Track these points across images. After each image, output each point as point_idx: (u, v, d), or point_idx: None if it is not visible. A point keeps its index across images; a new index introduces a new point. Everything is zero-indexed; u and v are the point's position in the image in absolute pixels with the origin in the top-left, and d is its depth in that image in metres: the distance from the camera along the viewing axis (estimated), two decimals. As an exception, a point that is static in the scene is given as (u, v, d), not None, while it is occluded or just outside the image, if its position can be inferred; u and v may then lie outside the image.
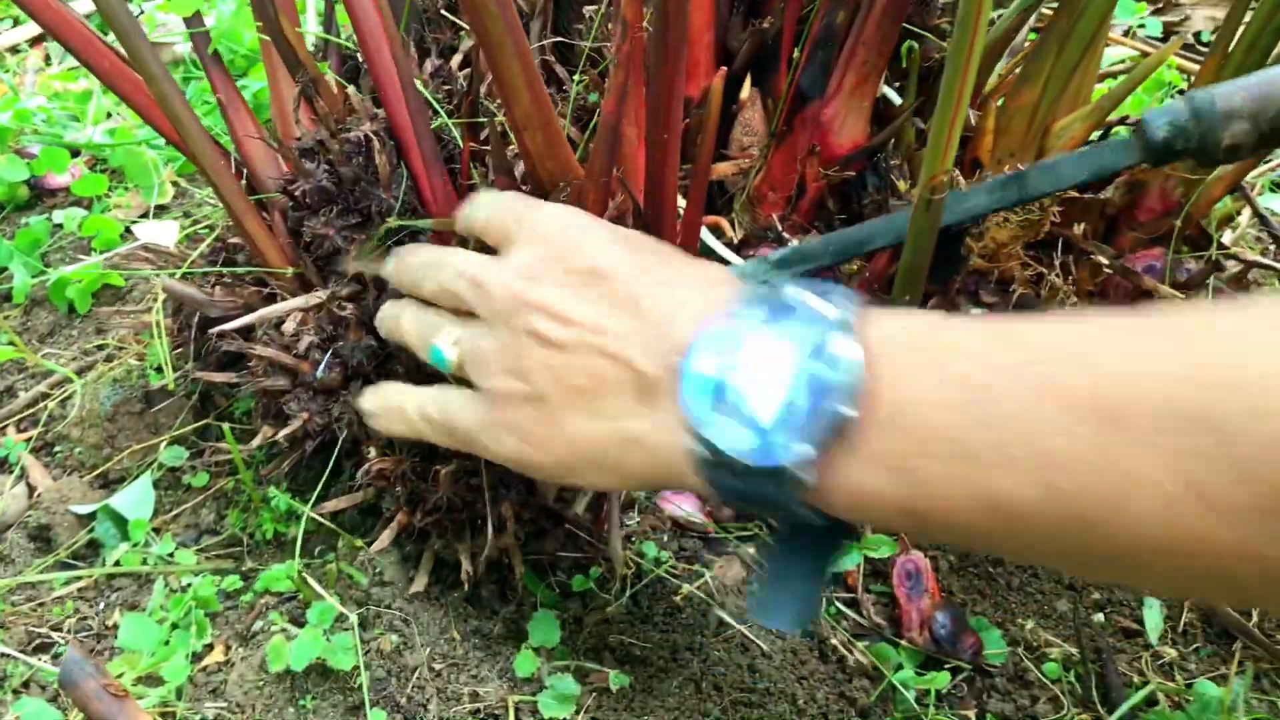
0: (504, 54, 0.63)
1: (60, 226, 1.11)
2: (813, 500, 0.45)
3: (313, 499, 0.74)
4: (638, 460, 0.52)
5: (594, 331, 0.52)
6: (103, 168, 1.20)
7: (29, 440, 0.93)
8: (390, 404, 0.65)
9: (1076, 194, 0.83)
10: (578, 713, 0.66)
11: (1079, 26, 0.80)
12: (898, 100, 0.90)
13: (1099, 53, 0.86)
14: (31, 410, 0.97)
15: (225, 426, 0.76)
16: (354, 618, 0.66)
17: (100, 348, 1.00)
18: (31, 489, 0.90)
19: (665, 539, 0.78)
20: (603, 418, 0.52)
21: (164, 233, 0.90)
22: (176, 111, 0.71)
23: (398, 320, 0.66)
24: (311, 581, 0.69)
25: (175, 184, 1.15)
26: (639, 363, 0.51)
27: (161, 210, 1.12)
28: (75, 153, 1.20)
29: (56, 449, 0.94)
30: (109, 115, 1.28)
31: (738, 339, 0.47)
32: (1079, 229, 0.82)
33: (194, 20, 0.82)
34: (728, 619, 0.72)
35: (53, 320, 1.06)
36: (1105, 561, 0.40)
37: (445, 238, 0.80)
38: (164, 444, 0.88)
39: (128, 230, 1.11)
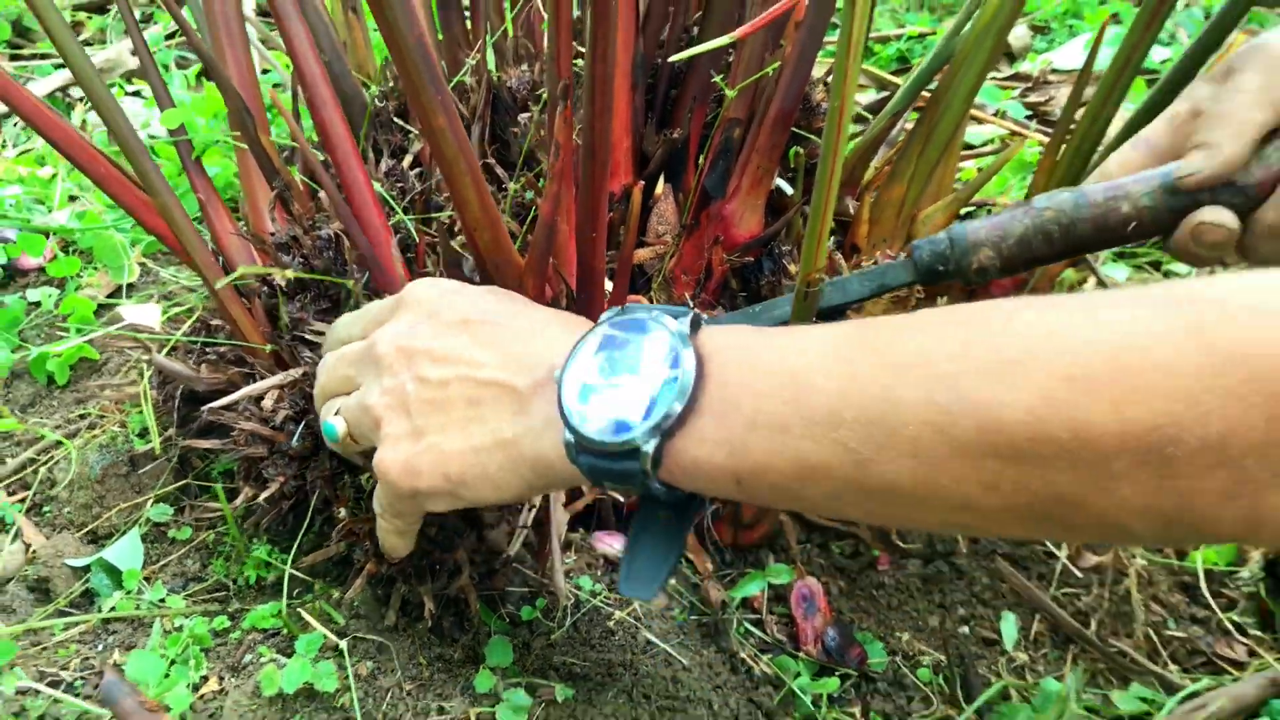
0: (457, 170, 0.77)
1: (37, 305, 1.21)
2: (662, 475, 0.56)
3: (293, 552, 0.86)
4: (517, 462, 0.61)
5: (469, 365, 0.62)
6: (72, 249, 1.31)
7: (23, 501, 1.03)
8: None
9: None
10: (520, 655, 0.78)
11: (936, 132, 0.96)
12: (790, 190, 1.05)
13: (956, 151, 1.02)
14: (19, 475, 1.07)
15: (218, 486, 0.87)
16: (344, 644, 0.78)
17: (82, 416, 1.10)
18: (27, 546, 1.00)
19: (599, 574, 0.91)
20: (483, 430, 0.61)
21: (148, 314, 1.01)
22: (176, 220, 0.83)
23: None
24: (305, 614, 0.80)
25: (141, 264, 1.26)
26: (512, 381, 0.61)
27: (130, 288, 1.23)
28: (45, 235, 1.31)
29: (45, 509, 1.04)
30: (72, 199, 1.39)
31: (602, 349, 0.58)
32: (943, 300, 0.98)
33: (179, 130, 0.94)
34: (654, 639, 0.85)
35: (33, 392, 1.16)
36: (884, 504, 0.52)
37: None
38: (150, 502, 0.99)
39: (100, 308, 1.22)
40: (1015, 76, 1.91)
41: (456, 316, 0.66)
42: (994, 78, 1.85)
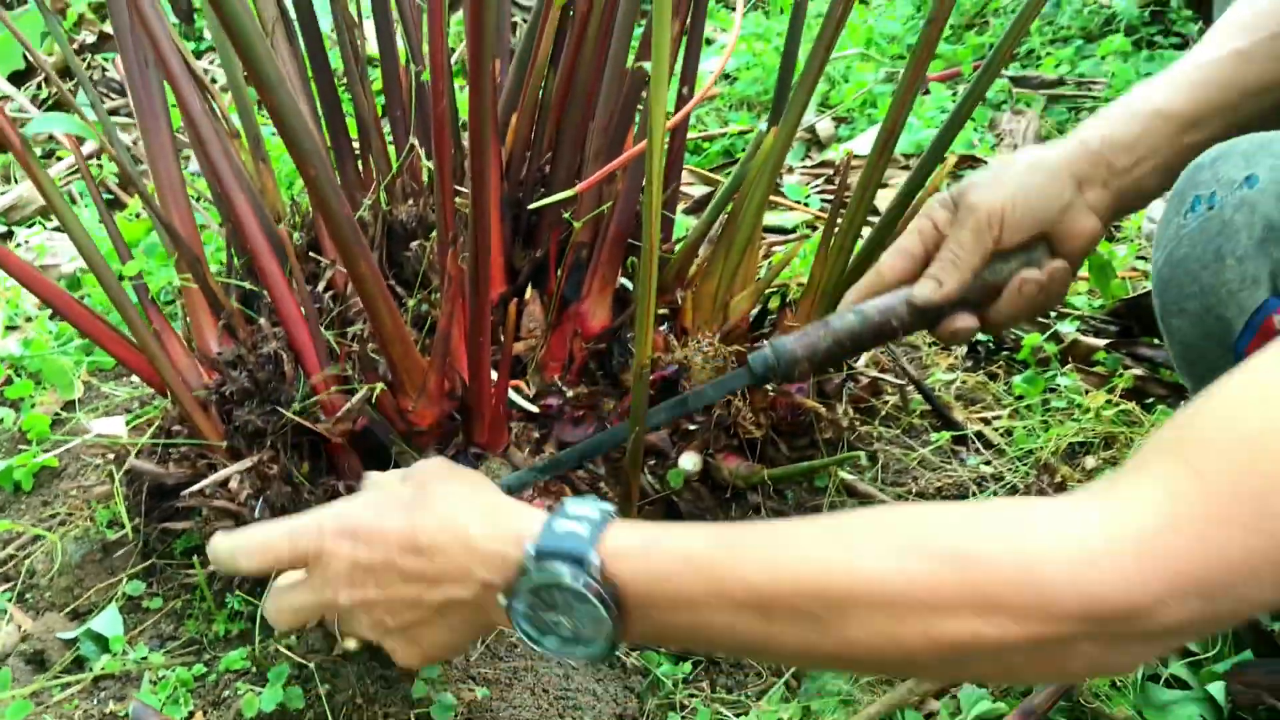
0: (376, 302, 1.02)
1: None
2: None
3: (263, 599, 1.08)
4: (493, 628, 0.82)
5: (424, 600, 0.75)
6: (21, 373, 1.50)
7: (11, 590, 1.22)
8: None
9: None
10: (456, 716, 1.02)
11: (736, 238, 1.25)
12: (632, 287, 1.32)
13: (755, 252, 1.30)
14: (1, 569, 1.26)
15: (195, 560, 1.09)
16: (313, 665, 1.00)
17: (53, 515, 1.30)
18: (19, 627, 1.19)
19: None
20: (459, 627, 0.76)
21: (114, 425, 1.22)
22: (151, 349, 1.06)
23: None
24: (280, 647, 1.03)
25: (86, 382, 1.47)
26: (465, 598, 0.73)
27: (80, 403, 1.43)
28: (-5, 362, 1.50)
29: (28, 596, 1.23)
30: (12, 328, 1.58)
31: (531, 599, 0.70)
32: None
33: (137, 275, 1.17)
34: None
35: (1, 499, 1.35)
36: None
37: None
38: (124, 580, 1.20)
39: (53, 423, 1.42)
40: (822, 164, 2.23)
41: (382, 562, 0.76)
42: (802, 168, 2.17)
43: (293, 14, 1.27)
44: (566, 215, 1.19)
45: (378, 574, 0.75)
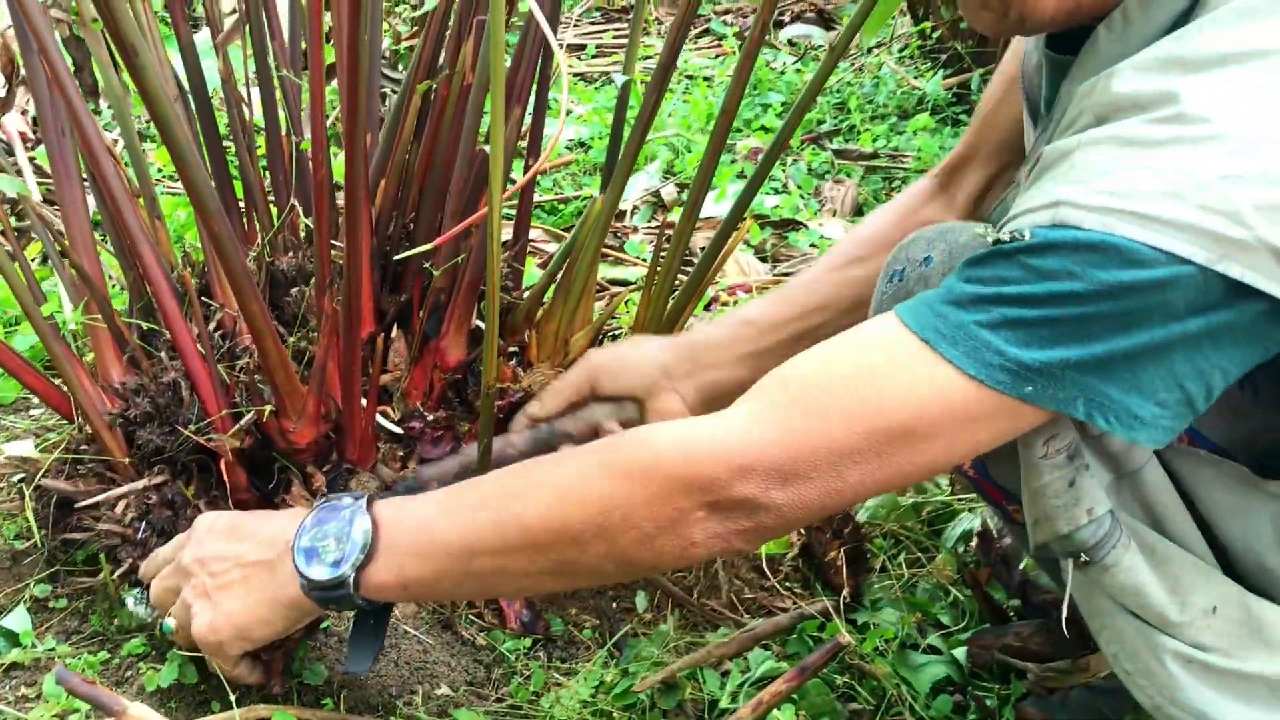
0: (263, 336, 1.22)
1: (-94, 452, 1.55)
2: (361, 594, 0.97)
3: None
4: (277, 605, 1.01)
5: (239, 555, 1.04)
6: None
7: (-74, 596, 1.37)
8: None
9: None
10: (329, 683, 1.21)
11: (574, 287, 1.48)
12: (484, 326, 1.54)
13: (590, 298, 1.54)
14: (-86, 579, 1.40)
15: (102, 557, 1.26)
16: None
17: (-38, 532, 1.45)
18: (-67, 629, 1.34)
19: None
20: (253, 593, 1.01)
21: (24, 448, 1.39)
22: (72, 379, 1.23)
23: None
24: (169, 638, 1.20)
25: (-12, 415, 1.62)
26: (266, 557, 1.02)
27: (-16, 433, 1.58)
28: (-102, 398, 1.64)
29: (-60, 602, 1.38)
30: (-87, 366, 1.71)
31: (316, 525, 0.99)
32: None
33: (49, 317, 1.34)
34: (408, 629, 1.30)
35: (-89, 519, 1.49)
36: (483, 585, 1.02)
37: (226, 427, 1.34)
38: (32, 584, 1.36)
39: (-42, 450, 1.56)
40: (665, 224, 2.49)
41: (225, 526, 1.08)
42: (646, 228, 2.43)
43: (187, 86, 1.47)
44: (428, 264, 1.41)
45: (216, 537, 1.07)
